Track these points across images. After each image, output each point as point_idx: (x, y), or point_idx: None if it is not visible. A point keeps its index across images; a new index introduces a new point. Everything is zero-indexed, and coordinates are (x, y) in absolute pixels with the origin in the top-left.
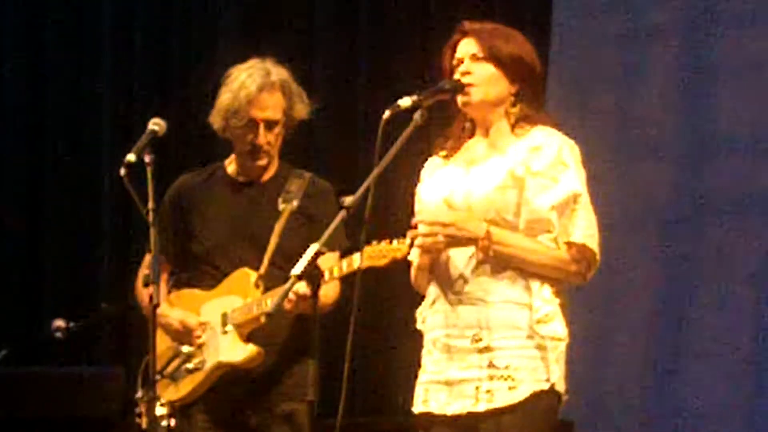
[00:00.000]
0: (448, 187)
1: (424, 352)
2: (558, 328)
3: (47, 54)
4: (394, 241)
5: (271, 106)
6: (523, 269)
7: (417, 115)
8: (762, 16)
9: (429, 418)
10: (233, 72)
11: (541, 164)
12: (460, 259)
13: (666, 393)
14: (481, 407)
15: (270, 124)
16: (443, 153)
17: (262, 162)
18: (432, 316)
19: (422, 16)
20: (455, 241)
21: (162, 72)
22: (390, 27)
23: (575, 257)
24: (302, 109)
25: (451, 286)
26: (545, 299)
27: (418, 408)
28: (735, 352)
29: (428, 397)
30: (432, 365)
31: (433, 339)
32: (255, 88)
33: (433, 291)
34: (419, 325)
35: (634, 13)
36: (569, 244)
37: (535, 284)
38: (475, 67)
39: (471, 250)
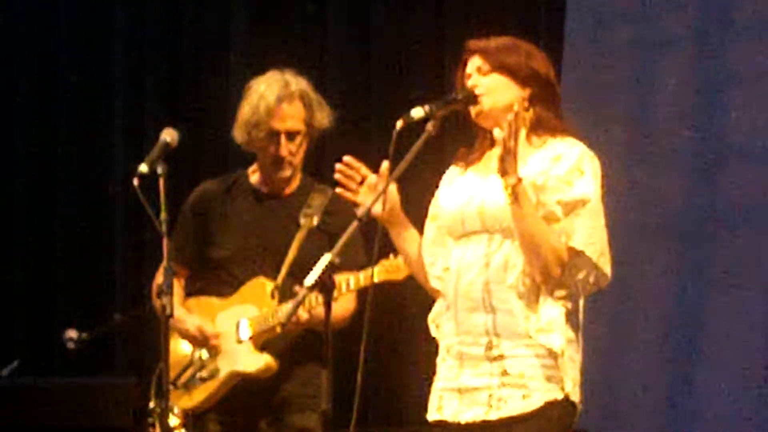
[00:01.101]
0: (465, 195)
1: (439, 360)
2: (556, 339)
3: (59, 64)
4: None
5: (291, 117)
6: (523, 238)
7: (429, 126)
8: None
9: (442, 425)
10: (252, 84)
11: (560, 170)
12: (477, 266)
13: (680, 402)
14: (494, 415)
15: (291, 135)
16: (462, 164)
17: (286, 173)
18: (446, 324)
19: (435, 26)
20: (508, 153)
21: (174, 82)
22: (403, 37)
23: (571, 263)
24: (324, 119)
25: (461, 292)
26: (548, 308)
27: (432, 415)
28: (749, 361)
29: (442, 405)
30: (446, 372)
31: (447, 346)
32: (274, 99)
33: (447, 298)
34: (434, 333)
35: (646, 22)
36: (569, 249)
37: (539, 292)
38: (482, 80)
39: (487, 258)
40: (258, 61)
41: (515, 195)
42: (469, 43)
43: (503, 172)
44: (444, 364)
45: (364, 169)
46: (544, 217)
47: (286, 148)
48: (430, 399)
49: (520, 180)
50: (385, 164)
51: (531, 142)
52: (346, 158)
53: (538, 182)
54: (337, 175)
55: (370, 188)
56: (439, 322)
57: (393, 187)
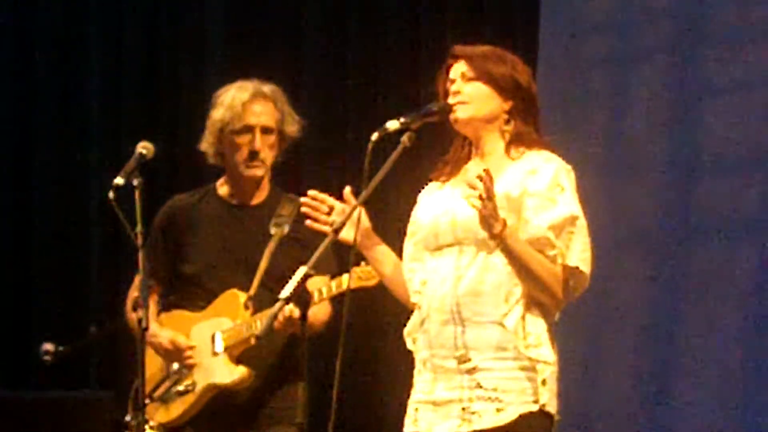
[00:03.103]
0: (440, 208)
1: (415, 372)
2: (546, 352)
3: (35, 76)
4: None
5: (265, 114)
6: (521, 273)
7: (405, 138)
8: (749, 37)
9: None
10: (221, 92)
11: (538, 186)
12: (450, 279)
13: (655, 414)
14: (467, 428)
15: (266, 130)
16: (442, 178)
17: (258, 171)
18: (421, 337)
19: (412, 37)
20: (486, 210)
21: (150, 95)
22: (379, 48)
23: (568, 280)
24: (293, 126)
25: (436, 305)
26: (533, 323)
27: (408, 428)
28: (723, 372)
29: (418, 417)
30: (421, 385)
31: (422, 359)
32: (248, 95)
33: (422, 311)
34: (410, 346)
35: (621, 34)
36: (565, 267)
37: (519, 306)
38: (465, 87)
39: (459, 271)
40: (234, 74)
41: (503, 242)
42: (455, 48)
43: (487, 228)
44: (420, 377)
45: (330, 200)
46: (538, 243)
47: (260, 141)
48: (407, 412)
49: (505, 226)
50: (347, 189)
51: (509, 155)
52: (311, 192)
53: (513, 194)
54: (303, 209)
55: (339, 215)
56: (416, 336)
57: (363, 213)
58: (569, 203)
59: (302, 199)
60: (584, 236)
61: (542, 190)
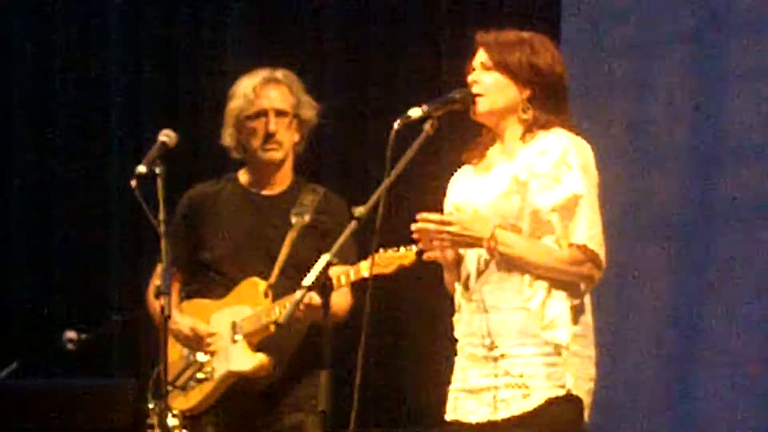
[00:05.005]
0: (462, 195)
1: (456, 360)
2: (561, 333)
3: (55, 66)
4: (402, 248)
5: (278, 97)
6: (529, 271)
7: (427, 126)
8: None
9: (457, 425)
10: (235, 84)
11: (545, 166)
12: (473, 266)
13: (675, 403)
14: (498, 416)
15: (279, 113)
16: (474, 161)
17: (277, 155)
18: (458, 324)
19: (433, 26)
20: (459, 242)
21: (171, 83)
22: (401, 37)
23: (578, 259)
24: (310, 111)
25: (466, 293)
26: (554, 304)
27: (449, 416)
28: (745, 360)
29: (456, 405)
30: (459, 373)
31: (460, 347)
32: (260, 80)
33: (456, 299)
34: (456, 334)
35: (642, 23)
36: (571, 246)
37: (542, 290)
38: (482, 77)
39: (481, 260)
40: (256, 61)
41: (497, 254)
42: (477, 35)
43: (469, 246)
44: (458, 364)
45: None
46: (539, 224)
47: (275, 124)
48: (448, 399)
49: (491, 238)
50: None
51: (525, 140)
52: (420, 215)
53: (521, 177)
54: (415, 236)
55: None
56: (455, 323)
57: None
58: (574, 182)
59: (415, 226)
60: (590, 213)
61: (546, 171)
